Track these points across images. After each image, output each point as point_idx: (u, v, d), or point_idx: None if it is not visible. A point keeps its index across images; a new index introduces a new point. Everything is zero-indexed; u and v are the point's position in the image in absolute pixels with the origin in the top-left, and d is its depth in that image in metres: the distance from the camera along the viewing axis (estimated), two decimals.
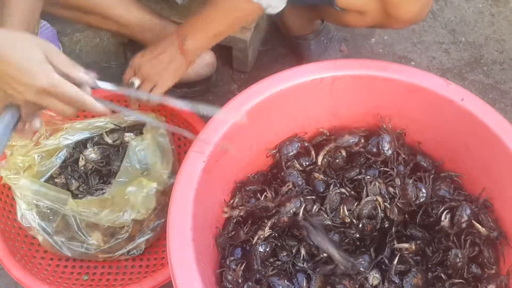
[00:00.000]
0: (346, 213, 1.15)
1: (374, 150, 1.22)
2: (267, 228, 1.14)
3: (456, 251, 1.09)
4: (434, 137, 1.23)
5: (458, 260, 1.08)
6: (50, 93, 0.89)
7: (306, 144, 1.26)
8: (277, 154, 1.26)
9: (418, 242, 1.14)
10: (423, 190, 1.16)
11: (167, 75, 1.29)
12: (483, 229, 1.09)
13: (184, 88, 1.63)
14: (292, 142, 1.25)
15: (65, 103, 0.91)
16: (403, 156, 1.23)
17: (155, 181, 1.22)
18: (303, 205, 1.15)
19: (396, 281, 1.10)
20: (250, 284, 1.07)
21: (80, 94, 0.91)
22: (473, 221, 1.10)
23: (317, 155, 1.25)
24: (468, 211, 1.12)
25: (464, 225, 1.11)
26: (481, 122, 1.12)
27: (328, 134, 1.28)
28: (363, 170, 1.23)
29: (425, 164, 1.24)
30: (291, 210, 1.15)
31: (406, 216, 1.20)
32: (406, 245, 1.13)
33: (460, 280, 1.08)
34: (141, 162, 1.26)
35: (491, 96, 1.72)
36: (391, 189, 1.18)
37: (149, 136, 1.28)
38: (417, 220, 1.18)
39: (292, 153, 1.24)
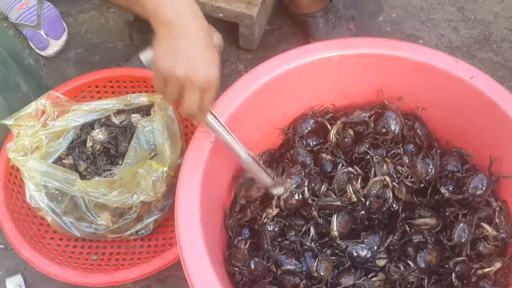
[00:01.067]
0: (352, 191, 1.15)
1: (384, 130, 1.21)
2: (274, 206, 1.14)
3: (463, 225, 1.09)
4: (442, 116, 1.22)
5: (463, 235, 1.08)
6: (205, 90, 0.91)
7: (320, 120, 1.25)
8: (291, 132, 1.26)
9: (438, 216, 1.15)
10: (431, 166, 1.15)
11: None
12: (491, 229, 1.09)
13: None
14: (306, 120, 1.24)
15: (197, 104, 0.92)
16: (419, 132, 1.22)
17: (163, 163, 1.23)
18: (305, 181, 1.15)
19: (411, 254, 1.11)
20: (257, 259, 1.08)
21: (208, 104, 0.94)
22: (481, 223, 1.10)
23: (326, 134, 1.24)
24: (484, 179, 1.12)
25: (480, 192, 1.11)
26: (490, 100, 1.11)
27: (336, 110, 1.28)
28: (371, 149, 1.23)
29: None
30: (292, 186, 1.14)
31: (414, 197, 1.20)
32: (427, 219, 1.13)
33: (463, 258, 1.08)
34: (149, 142, 1.26)
35: (500, 74, 1.70)
36: (399, 168, 1.17)
37: (157, 117, 1.28)
38: (428, 196, 1.18)
39: (306, 131, 1.24)
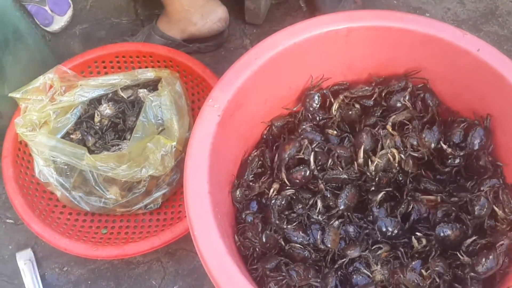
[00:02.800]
0: (361, 155, 1.15)
1: (398, 104, 1.21)
2: (283, 175, 1.16)
3: (484, 200, 1.09)
4: (449, 89, 1.22)
5: (483, 209, 1.09)
6: None
7: (325, 92, 1.25)
8: (301, 110, 1.26)
9: (443, 194, 1.15)
10: (437, 134, 1.17)
11: None
12: (501, 212, 1.09)
13: (197, 44, 1.62)
14: (311, 96, 1.24)
15: None
16: (430, 103, 1.22)
17: (172, 138, 1.23)
18: (304, 143, 1.16)
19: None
20: (268, 232, 1.09)
21: None
22: (493, 206, 1.09)
23: (330, 106, 1.25)
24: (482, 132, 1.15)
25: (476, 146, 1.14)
26: (497, 73, 1.10)
27: (347, 84, 1.27)
28: (378, 122, 1.23)
29: None
30: (291, 153, 1.15)
31: (422, 170, 1.21)
32: (431, 197, 1.14)
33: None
34: (157, 117, 1.27)
35: (506, 47, 1.70)
36: (406, 140, 1.18)
37: (165, 92, 1.28)
38: (435, 166, 1.19)
39: (316, 106, 1.24)
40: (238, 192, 1.15)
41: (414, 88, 1.23)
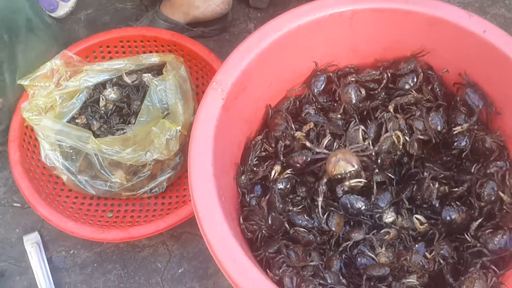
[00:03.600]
0: (361, 134, 1.16)
1: (407, 86, 1.21)
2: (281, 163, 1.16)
3: (492, 183, 1.09)
4: (455, 71, 1.21)
5: (492, 193, 1.08)
6: None
7: (331, 74, 1.25)
8: (307, 92, 1.26)
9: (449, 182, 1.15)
10: (443, 117, 1.17)
11: None
12: (506, 197, 1.08)
13: (201, 28, 1.62)
14: (317, 77, 1.24)
15: None
16: (438, 92, 1.22)
17: (176, 122, 1.23)
18: (290, 123, 1.17)
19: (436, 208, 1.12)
20: (274, 214, 1.09)
21: None
22: (499, 192, 1.08)
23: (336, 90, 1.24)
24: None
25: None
26: (504, 55, 1.09)
27: (355, 68, 1.27)
28: (383, 106, 1.23)
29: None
30: (281, 129, 1.17)
31: (425, 152, 1.21)
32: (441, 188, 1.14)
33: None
34: (162, 101, 1.27)
35: None
36: (412, 122, 1.17)
37: (170, 76, 1.28)
38: (441, 149, 1.19)
39: (321, 88, 1.23)
40: (242, 178, 1.15)
41: (422, 72, 1.22)
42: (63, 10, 1.72)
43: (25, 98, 1.34)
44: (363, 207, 1.11)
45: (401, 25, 1.18)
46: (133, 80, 1.38)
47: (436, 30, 1.16)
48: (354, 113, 1.24)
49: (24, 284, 1.34)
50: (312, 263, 1.05)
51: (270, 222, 1.08)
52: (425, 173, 1.15)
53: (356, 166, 1.09)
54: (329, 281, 1.04)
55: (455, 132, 1.16)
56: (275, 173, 1.16)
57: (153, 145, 1.21)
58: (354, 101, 1.21)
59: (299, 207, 1.15)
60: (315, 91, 1.24)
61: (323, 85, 1.23)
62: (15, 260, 1.37)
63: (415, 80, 1.21)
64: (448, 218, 1.09)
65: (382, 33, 1.21)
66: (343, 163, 1.09)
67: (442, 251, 1.06)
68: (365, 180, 1.10)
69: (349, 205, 1.11)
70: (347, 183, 1.10)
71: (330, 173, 1.10)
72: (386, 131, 1.18)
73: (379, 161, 1.16)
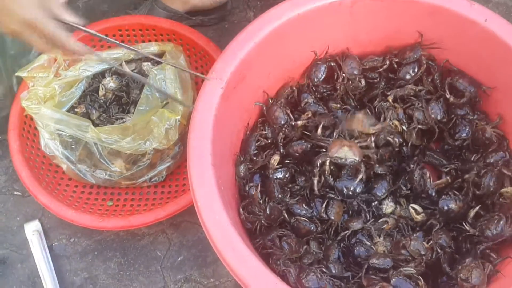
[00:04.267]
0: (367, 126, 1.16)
1: (408, 77, 1.21)
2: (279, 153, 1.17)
3: (491, 175, 1.10)
4: (456, 60, 1.21)
5: (491, 184, 1.09)
6: (32, 28, 0.90)
7: (332, 64, 1.24)
8: (307, 81, 1.26)
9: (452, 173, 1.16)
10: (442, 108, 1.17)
11: None
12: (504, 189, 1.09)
13: (200, 16, 1.61)
14: (318, 66, 1.24)
15: (45, 40, 0.92)
16: (437, 80, 1.22)
17: (175, 112, 1.23)
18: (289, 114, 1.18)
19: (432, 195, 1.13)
20: (272, 204, 1.09)
21: (58, 33, 0.92)
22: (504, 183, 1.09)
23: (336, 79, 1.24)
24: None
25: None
26: (505, 44, 1.09)
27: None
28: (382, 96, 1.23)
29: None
30: (281, 122, 1.17)
31: (425, 141, 1.21)
32: (442, 180, 1.15)
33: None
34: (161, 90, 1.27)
35: None
36: (412, 112, 1.17)
37: (169, 66, 1.27)
38: (444, 138, 1.20)
39: (322, 78, 1.23)
40: (241, 168, 1.15)
41: (425, 62, 1.22)
42: None
43: (24, 87, 1.34)
44: (358, 189, 1.12)
45: (402, 14, 1.18)
46: (132, 69, 1.37)
47: (437, 19, 1.16)
48: (352, 101, 1.24)
49: (25, 272, 1.35)
50: (306, 253, 1.06)
51: (268, 212, 1.08)
52: (412, 165, 1.16)
53: (358, 159, 1.09)
54: (333, 271, 1.05)
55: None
56: (274, 162, 1.16)
57: (152, 134, 1.21)
58: (356, 72, 1.21)
59: (298, 197, 1.15)
60: (315, 80, 1.23)
61: (323, 75, 1.23)
62: (16, 247, 1.37)
63: (416, 70, 1.21)
64: (445, 207, 1.09)
65: (383, 22, 1.20)
66: (347, 150, 1.10)
67: (440, 241, 1.07)
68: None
69: (344, 189, 1.11)
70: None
71: (331, 153, 1.10)
72: (385, 120, 1.18)
73: (378, 156, 1.16)
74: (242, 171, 1.15)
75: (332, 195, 1.13)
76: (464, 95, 1.18)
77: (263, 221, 1.09)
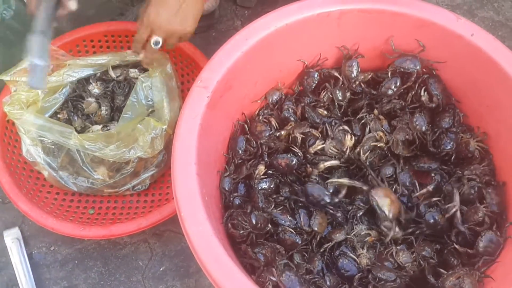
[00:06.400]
0: (350, 143, 1.16)
1: (390, 92, 1.21)
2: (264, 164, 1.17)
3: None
4: (442, 74, 1.21)
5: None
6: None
7: (326, 72, 1.24)
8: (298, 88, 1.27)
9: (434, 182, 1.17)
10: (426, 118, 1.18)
11: (190, 21, 1.15)
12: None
13: None
14: (310, 74, 1.24)
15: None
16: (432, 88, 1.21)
17: (161, 121, 1.22)
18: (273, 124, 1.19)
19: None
20: (256, 213, 1.08)
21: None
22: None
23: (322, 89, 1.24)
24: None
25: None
26: (491, 59, 1.09)
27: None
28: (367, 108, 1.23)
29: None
30: (265, 135, 1.18)
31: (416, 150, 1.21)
32: (423, 190, 1.15)
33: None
34: (147, 98, 1.26)
35: (501, 33, 1.69)
36: (396, 123, 1.18)
37: (156, 73, 1.26)
38: (429, 148, 1.20)
39: (313, 85, 1.23)
40: (227, 181, 1.14)
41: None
42: None
43: (6, 92, 1.31)
44: (326, 197, 1.11)
45: (389, 27, 1.18)
46: (118, 75, 1.36)
47: (424, 32, 1.16)
48: (338, 111, 1.24)
49: (4, 280, 1.32)
50: (279, 264, 1.04)
51: (254, 221, 1.07)
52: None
53: (390, 217, 1.09)
54: (328, 284, 1.06)
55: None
56: (259, 172, 1.15)
57: (137, 142, 1.19)
58: (354, 74, 1.21)
59: (282, 207, 1.14)
60: (308, 87, 1.23)
61: (316, 82, 1.23)
62: None
63: (398, 84, 1.21)
64: (432, 220, 1.09)
65: (370, 34, 1.20)
66: (389, 203, 1.09)
67: (423, 252, 1.07)
68: (337, 162, 1.15)
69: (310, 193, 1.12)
70: (321, 165, 1.13)
71: (375, 196, 1.10)
72: (369, 131, 1.19)
73: (367, 163, 1.16)
74: (227, 185, 1.14)
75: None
76: (432, 100, 1.19)
77: (251, 234, 1.08)
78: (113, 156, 1.19)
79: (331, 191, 1.12)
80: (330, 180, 1.14)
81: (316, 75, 1.23)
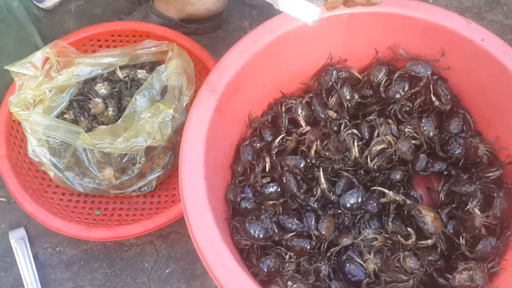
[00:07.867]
0: (357, 150, 1.16)
1: (397, 96, 1.20)
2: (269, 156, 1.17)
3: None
4: (450, 79, 1.21)
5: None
6: None
7: (344, 75, 1.24)
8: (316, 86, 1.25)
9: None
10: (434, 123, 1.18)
11: None
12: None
13: (194, 24, 1.60)
14: (329, 71, 1.23)
15: None
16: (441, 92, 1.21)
17: (169, 106, 1.20)
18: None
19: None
20: (253, 222, 1.07)
21: None
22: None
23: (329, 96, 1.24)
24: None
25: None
26: (500, 64, 1.09)
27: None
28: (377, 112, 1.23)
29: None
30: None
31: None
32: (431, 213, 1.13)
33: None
34: (161, 88, 1.26)
35: (510, 37, 1.67)
36: (404, 128, 1.18)
37: (173, 61, 1.26)
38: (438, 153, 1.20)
39: (331, 83, 1.22)
40: (230, 193, 1.14)
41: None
42: (51, 1, 1.68)
43: (12, 90, 1.30)
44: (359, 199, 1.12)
45: (399, 30, 1.17)
46: (125, 76, 1.35)
47: (433, 36, 1.15)
48: (346, 114, 1.24)
49: (9, 280, 1.32)
50: (285, 274, 1.04)
51: (251, 232, 1.06)
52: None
53: (432, 231, 1.09)
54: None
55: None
56: (262, 167, 1.17)
57: (145, 130, 1.18)
58: (379, 78, 1.22)
59: (290, 210, 1.14)
60: (324, 85, 1.23)
61: (333, 80, 1.23)
62: (0, 255, 1.34)
63: (405, 88, 1.20)
64: (433, 229, 1.09)
65: (380, 37, 1.20)
66: (431, 220, 1.10)
67: (429, 257, 1.07)
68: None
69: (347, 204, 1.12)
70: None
71: (420, 212, 1.10)
72: (378, 136, 1.18)
73: (375, 167, 1.16)
74: (232, 198, 1.14)
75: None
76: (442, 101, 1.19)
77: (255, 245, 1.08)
78: (124, 148, 1.16)
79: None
80: (374, 188, 1.15)
81: (334, 73, 1.22)
